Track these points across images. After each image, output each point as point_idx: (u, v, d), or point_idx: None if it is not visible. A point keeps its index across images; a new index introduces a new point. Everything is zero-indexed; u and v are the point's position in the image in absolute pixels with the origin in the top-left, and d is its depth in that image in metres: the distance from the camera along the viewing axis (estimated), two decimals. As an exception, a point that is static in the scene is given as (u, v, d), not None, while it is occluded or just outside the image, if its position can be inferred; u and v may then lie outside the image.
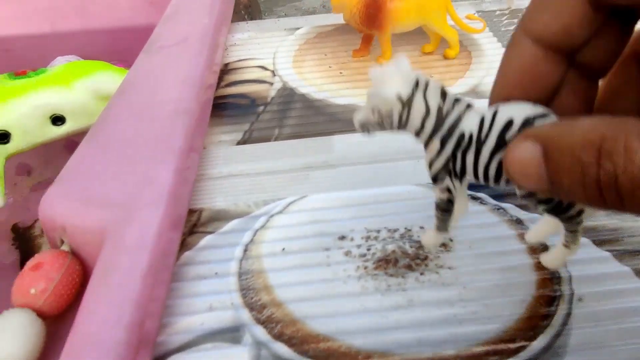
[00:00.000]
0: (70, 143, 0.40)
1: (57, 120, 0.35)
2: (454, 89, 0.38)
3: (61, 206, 0.26)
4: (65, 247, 0.26)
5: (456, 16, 0.40)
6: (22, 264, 0.31)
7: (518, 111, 0.18)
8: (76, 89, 0.36)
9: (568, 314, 0.23)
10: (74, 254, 0.26)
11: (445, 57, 0.41)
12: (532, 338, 0.23)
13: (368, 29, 0.39)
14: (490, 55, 0.41)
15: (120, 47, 0.59)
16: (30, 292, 0.24)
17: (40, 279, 0.24)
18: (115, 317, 0.20)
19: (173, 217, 0.26)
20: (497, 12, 0.47)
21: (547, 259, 0.22)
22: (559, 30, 0.18)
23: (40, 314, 0.24)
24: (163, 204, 0.25)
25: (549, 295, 0.24)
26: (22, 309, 0.23)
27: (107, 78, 0.37)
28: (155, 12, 0.62)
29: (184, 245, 0.28)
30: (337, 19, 0.47)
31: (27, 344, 0.22)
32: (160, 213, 0.25)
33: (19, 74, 0.37)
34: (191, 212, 0.30)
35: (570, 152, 0.15)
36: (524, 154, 0.17)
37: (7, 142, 0.34)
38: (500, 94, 0.19)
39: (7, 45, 0.62)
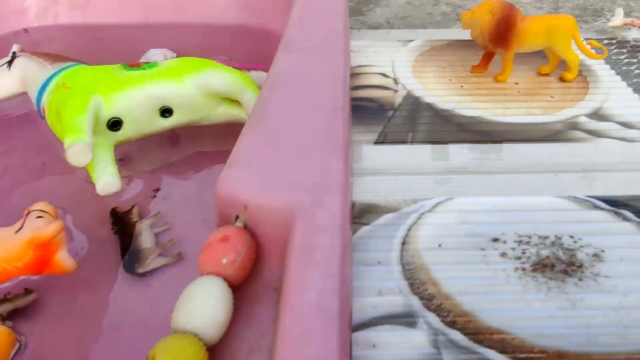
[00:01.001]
0: (173, 135, 0.42)
1: (166, 112, 0.37)
2: (575, 111, 0.39)
3: (244, 186, 0.27)
4: (239, 224, 0.28)
5: (581, 41, 0.41)
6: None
7: None
8: (187, 83, 0.37)
9: None
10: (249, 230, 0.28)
11: (562, 80, 0.42)
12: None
13: (494, 47, 0.41)
14: (605, 81, 0.43)
15: (210, 44, 0.61)
16: (222, 261, 0.25)
17: (230, 251, 0.26)
18: (331, 288, 0.22)
19: (347, 203, 0.28)
20: (605, 42, 0.48)
21: None
22: None
23: (228, 283, 0.25)
24: (341, 190, 0.27)
25: None
26: (216, 276, 0.25)
27: (218, 75, 0.38)
28: (247, 13, 0.64)
29: (343, 233, 0.30)
30: (447, 34, 0.49)
31: (225, 308, 0.24)
32: (341, 199, 0.26)
33: (132, 65, 0.39)
34: (345, 203, 0.31)
35: None
36: None
37: (119, 129, 0.36)
38: None
39: (99, 34, 0.64)
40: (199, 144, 0.37)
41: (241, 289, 0.27)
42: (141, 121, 0.37)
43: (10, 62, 0.39)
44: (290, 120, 0.32)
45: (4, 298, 0.27)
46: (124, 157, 0.40)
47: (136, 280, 0.31)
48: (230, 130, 0.35)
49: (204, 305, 0.24)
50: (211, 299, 0.24)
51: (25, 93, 0.39)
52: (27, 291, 0.28)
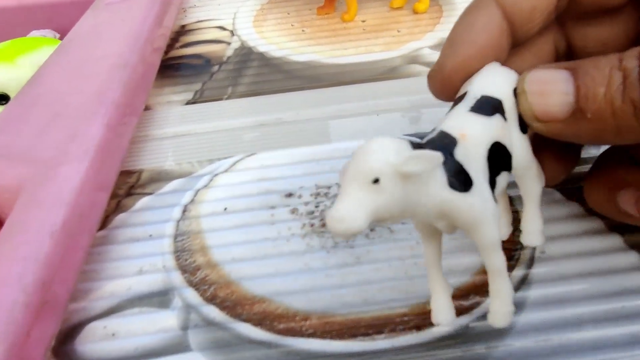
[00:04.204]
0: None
1: (2, 98, 0.33)
2: (422, 43, 0.35)
3: (-23, 164, 0.23)
4: (-14, 210, 0.24)
5: (424, -34, 0.37)
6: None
7: None
8: (21, 65, 0.33)
9: (528, 267, 0.21)
10: (-3, 216, 0.24)
11: (415, 12, 0.38)
12: (487, 294, 0.20)
13: (330, -18, 0.37)
14: (461, 8, 0.38)
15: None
16: (-62, 256, 0.22)
17: (-50, 242, 0.22)
18: (15, 276, 0.18)
19: (101, 175, 0.24)
20: (473, -33, 0.44)
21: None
22: (527, 9, 0.18)
23: (-49, 280, 0.22)
24: (89, 159, 0.23)
25: (509, 248, 0.22)
26: None
27: None
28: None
29: (118, 208, 0.26)
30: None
31: None
32: (84, 169, 0.23)
33: None
34: (130, 173, 0.28)
35: (608, 64, 0.14)
36: (548, 72, 0.16)
37: None
38: (463, 64, 0.18)
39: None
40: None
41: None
42: None
43: None
44: (61, 85, 0.28)
45: None
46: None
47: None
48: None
49: None
50: None
51: None
52: None
